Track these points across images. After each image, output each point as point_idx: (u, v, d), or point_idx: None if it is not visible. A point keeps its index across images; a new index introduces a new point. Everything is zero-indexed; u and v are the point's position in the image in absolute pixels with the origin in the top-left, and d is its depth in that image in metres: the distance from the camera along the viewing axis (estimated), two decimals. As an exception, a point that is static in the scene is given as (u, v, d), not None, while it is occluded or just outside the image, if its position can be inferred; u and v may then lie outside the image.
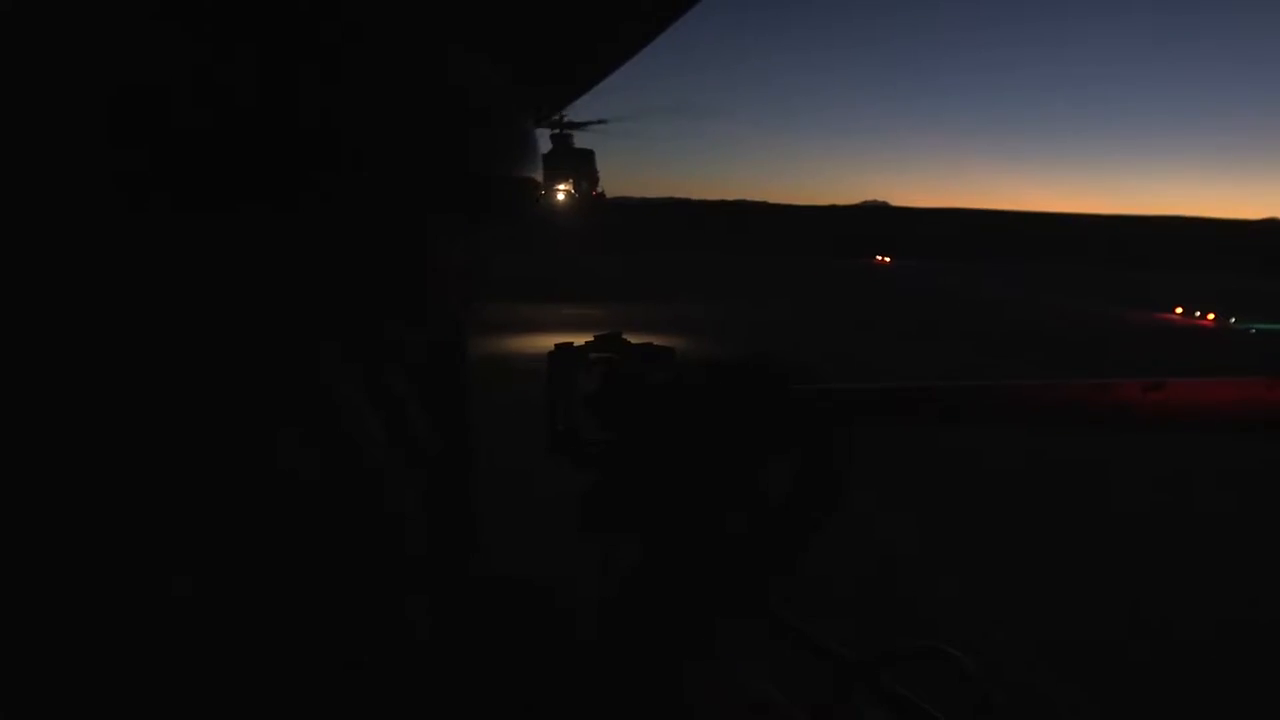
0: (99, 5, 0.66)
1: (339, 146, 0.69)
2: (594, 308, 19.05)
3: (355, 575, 0.66)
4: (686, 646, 0.80)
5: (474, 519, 0.97)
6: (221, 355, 0.64)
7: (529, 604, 0.88)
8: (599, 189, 72.44)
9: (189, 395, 0.62)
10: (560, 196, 70.14)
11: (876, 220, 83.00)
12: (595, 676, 0.80)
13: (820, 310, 21.73)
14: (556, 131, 69.98)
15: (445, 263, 0.77)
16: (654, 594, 0.79)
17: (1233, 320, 22.58)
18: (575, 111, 67.85)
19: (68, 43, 0.65)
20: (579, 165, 71.25)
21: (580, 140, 69.86)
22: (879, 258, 47.00)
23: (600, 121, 69.61)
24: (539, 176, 0.82)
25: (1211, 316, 23.15)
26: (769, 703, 0.89)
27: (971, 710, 0.83)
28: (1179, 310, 24.39)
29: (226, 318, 0.66)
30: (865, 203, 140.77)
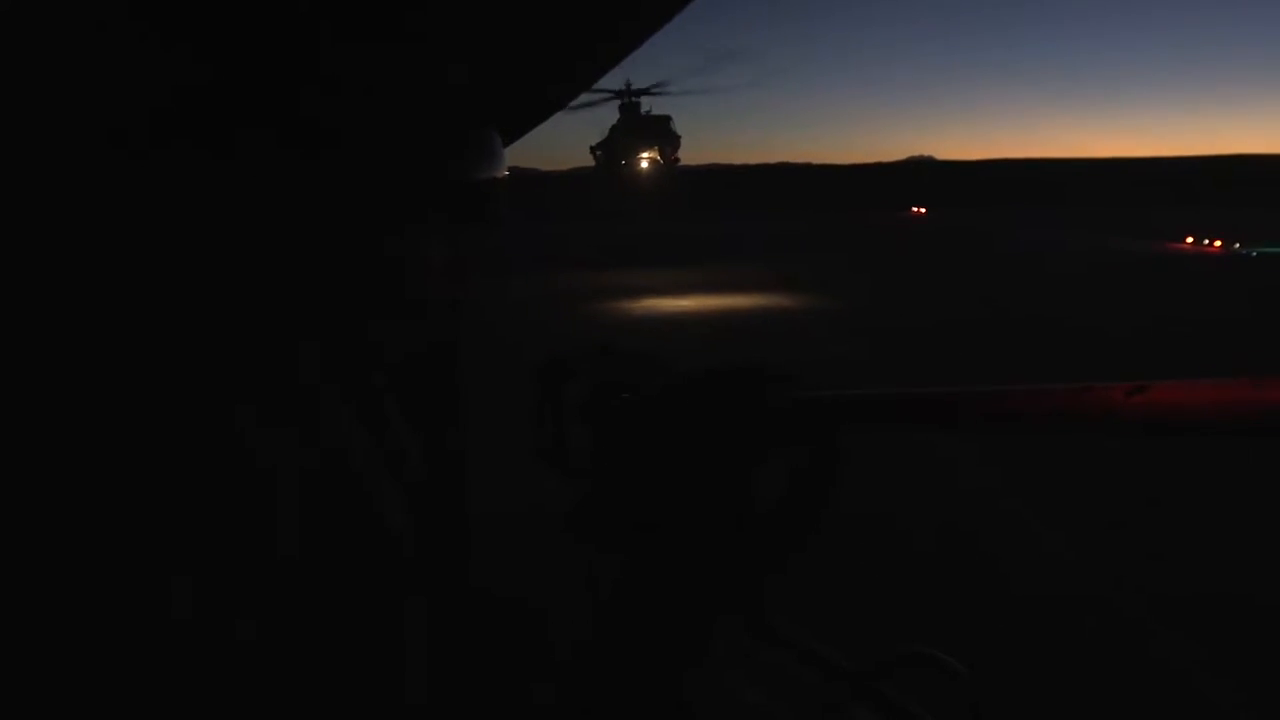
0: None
1: (319, 142, 0.69)
2: (690, 271, 20.83)
3: (342, 589, 0.65)
4: (681, 653, 0.79)
5: (468, 530, 0.93)
6: (197, 352, 0.63)
7: (522, 621, 0.88)
8: (677, 155, 71.88)
9: (165, 392, 0.61)
10: (644, 164, 70.14)
11: (921, 175, 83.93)
12: (589, 686, 0.80)
13: (875, 260, 24.18)
14: (624, 101, 70.46)
15: (427, 263, 0.77)
16: (647, 601, 0.79)
17: (1237, 245, 24.57)
18: (637, 77, 68.67)
19: (64, 34, 0.64)
20: (659, 132, 70.76)
21: (645, 107, 70.05)
22: (914, 209, 49.10)
23: (661, 85, 69.71)
24: (505, 175, 0.81)
25: (1219, 243, 25.19)
26: (763, 710, 0.89)
27: (966, 716, 0.85)
28: (1189, 240, 26.43)
29: (200, 315, 0.65)
30: (910, 158, 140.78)
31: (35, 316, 0.62)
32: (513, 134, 0.93)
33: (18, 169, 0.65)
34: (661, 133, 70.45)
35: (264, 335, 0.69)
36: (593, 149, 71.51)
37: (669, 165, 70.39)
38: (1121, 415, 0.56)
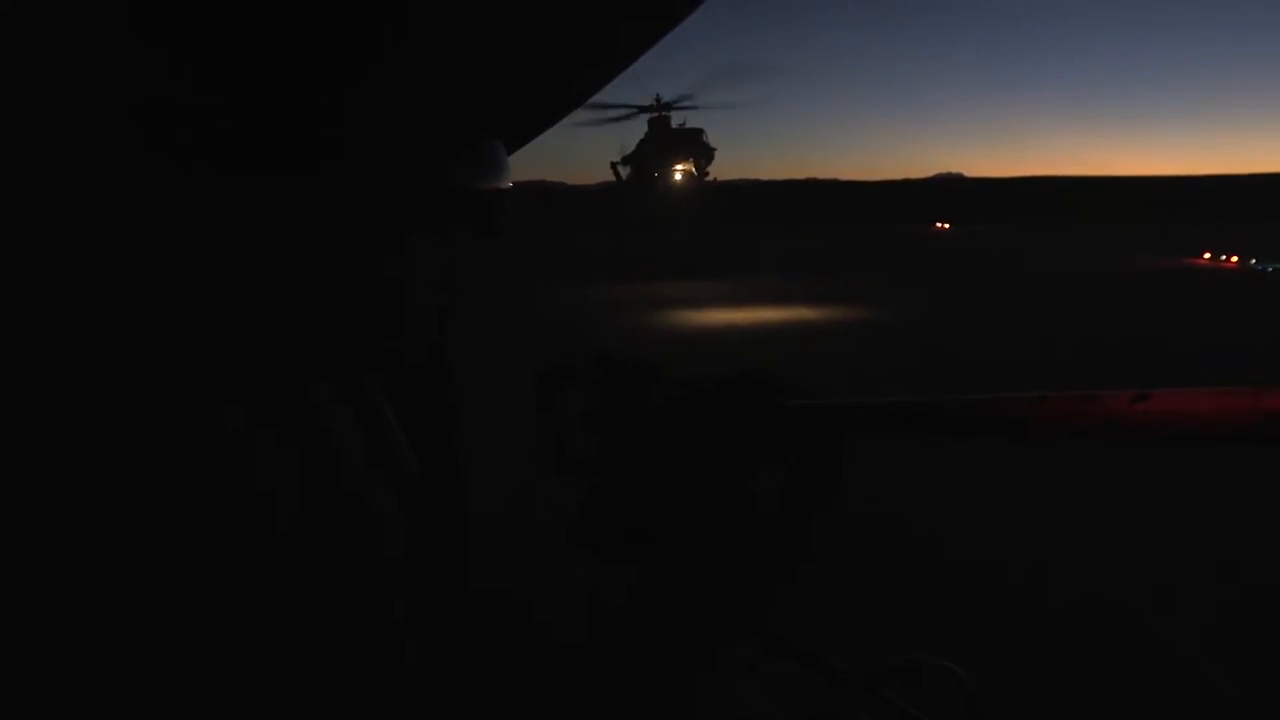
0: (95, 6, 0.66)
1: (318, 152, 0.69)
2: (722, 283, 21.35)
3: (336, 589, 0.65)
4: (687, 662, 0.80)
5: (466, 535, 0.93)
6: (193, 356, 0.64)
7: (521, 623, 0.89)
8: (708, 170, 70.72)
9: (162, 396, 0.61)
10: (678, 176, 69.22)
11: (947, 192, 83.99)
12: (593, 690, 0.81)
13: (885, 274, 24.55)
14: (654, 115, 70.01)
15: (427, 271, 0.77)
16: (654, 610, 0.80)
17: (1253, 261, 24.89)
18: (664, 92, 68.51)
19: (63, 41, 0.65)
20: (692, 144, 69.84)
21: (677, 120, 69.58)
22: (938, 225, 49.61)
23: (689, 98, 69.21)
24: (508, 186, 0.81)
25: (1235, 259, 25.54)
26: (766, 717, 0.89)
27: (963, 718, 0.87)
28: (1207, 255, 26.80)
29: (198, 319, 0.65)
30: (938, 175, 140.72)
31: (33, 319, 0.62)
32: (515, 143, 0.92)
33: (14, 170, 0.65)
34: (695, 145, 69.60)
35: (262, 340, 0.69)
36: (614, 164, 70.58)
37: (701, 178, 69.77)
38: (1125, 423, 0.56)
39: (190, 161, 0.66)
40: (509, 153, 0.86)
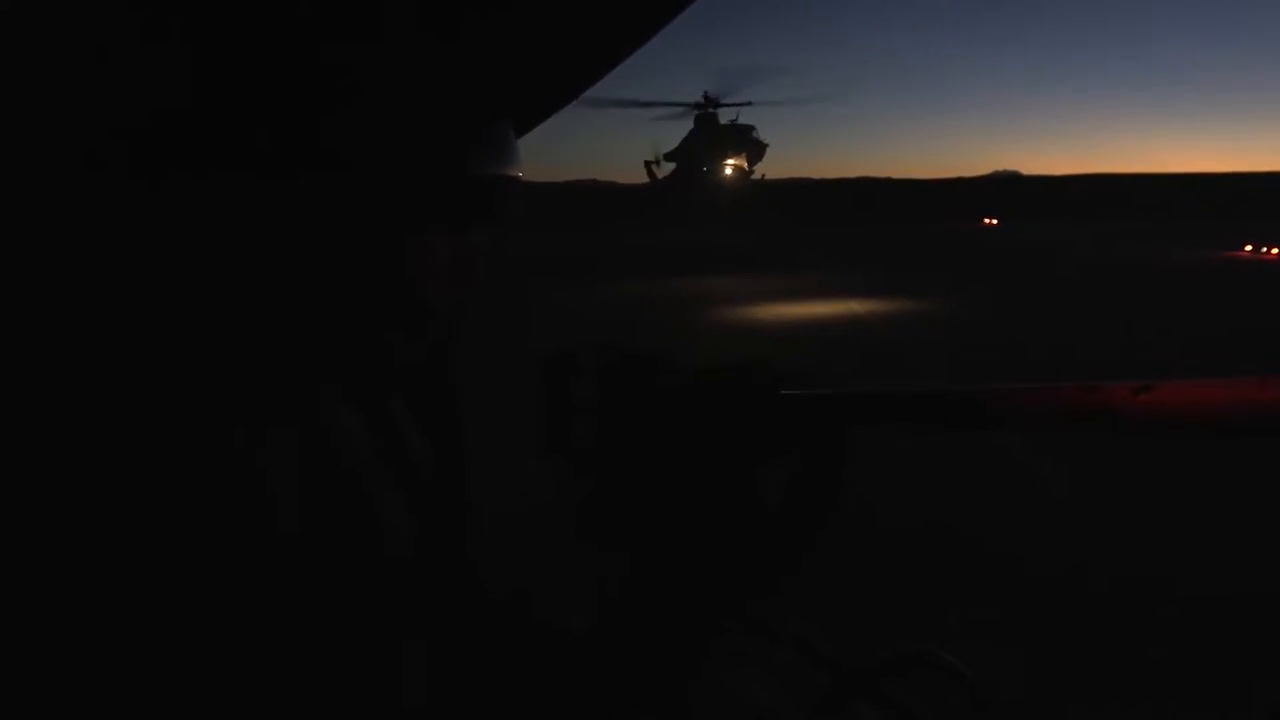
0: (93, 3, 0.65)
1: (324, 144, 0.68)
2: (777, 279, 21.71)
3: (342, 590, 0.65)
4: (688, 653, 0.80)
5: (478, 534, 0.92)
6: (197, 356, 0.64)
7: (530, 618, 0.89)
8: (757, 169, 68.99)
9: (166, 398, 0.61)
10: (728, 171, 67.64)
11: (1003, 189, 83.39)
12: (593, 684, 0.80)
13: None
14: (701, 112, 69.56)
15: (434, 263, 0.76)
16: (656, 599, 0.80)
17: (1294, 252, 25.28)
18: (720, 91, 68.12)
19: (60, 41, 0.64)
20: (742, 140, 68.87)
21: (726, 117, 68.76)
22: (986, 220, 49.98)
23: (734, 95, 68.56)
24: (519, 173, 0.79)
25: (1276, 251, 25.88)
26: (765, 708, 0.90)
27: (965, 712, 0.87)
28: (1248, 248, 27.20)
29: (202, 317, 0.65)
30: (995, 173, 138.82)
31: (41, 326, 0.63)
32: (525, 126, 0.88)
33: (14, 176, 0.65)
34: (746, 140, 67.98)
35: (271, 340, 0.69)
36: (648, 163, 69.72)
37: (750, 174, 68.79)
38: (1128, 414, 0.56)
39: (198, 166, 0.66)
40: (519, 135, 0.85)
